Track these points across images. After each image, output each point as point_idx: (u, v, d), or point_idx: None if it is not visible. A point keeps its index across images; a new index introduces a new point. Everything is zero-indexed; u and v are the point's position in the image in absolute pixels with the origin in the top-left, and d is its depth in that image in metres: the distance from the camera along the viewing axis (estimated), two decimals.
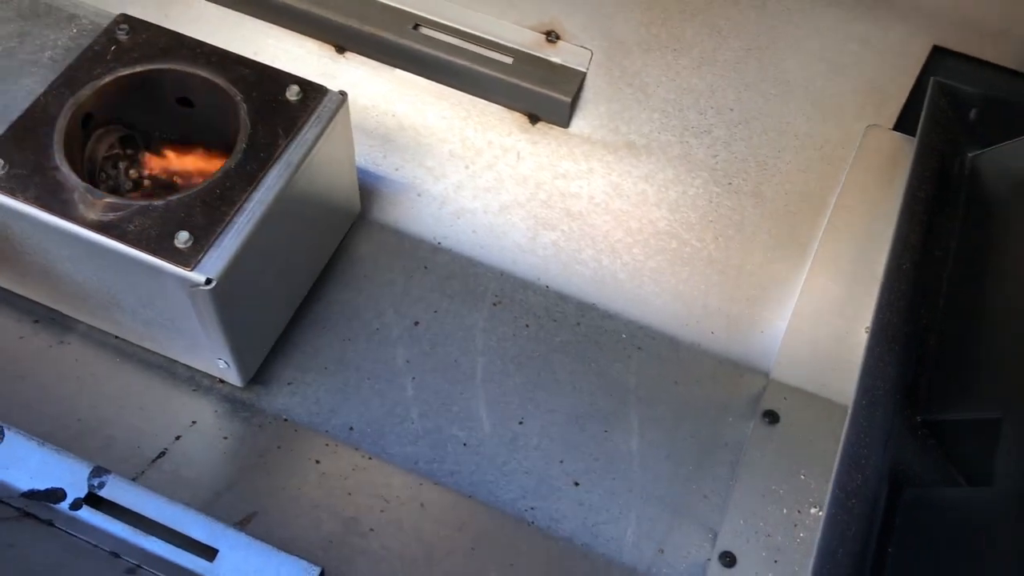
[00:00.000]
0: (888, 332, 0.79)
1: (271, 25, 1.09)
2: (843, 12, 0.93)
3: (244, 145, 0.85)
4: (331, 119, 0.88)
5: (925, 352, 0.79)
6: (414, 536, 0.85)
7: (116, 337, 0.95)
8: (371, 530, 0.85)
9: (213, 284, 0.78)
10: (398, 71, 1.08)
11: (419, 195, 1.07)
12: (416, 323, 1.00)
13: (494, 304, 1.02)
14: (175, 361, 0.94)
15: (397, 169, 1.07)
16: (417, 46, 1.05)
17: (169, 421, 0.90)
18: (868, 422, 0.74)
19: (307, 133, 0.87)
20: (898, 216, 0.83)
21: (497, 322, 1.01)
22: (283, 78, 0.89)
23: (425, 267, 1.04)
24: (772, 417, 0.96)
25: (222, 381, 0.94)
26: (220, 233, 0.80)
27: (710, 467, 0.93)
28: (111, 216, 0.80)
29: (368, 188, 1.06)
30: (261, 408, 0.93)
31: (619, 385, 0.98)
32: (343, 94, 0.90)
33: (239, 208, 0.82)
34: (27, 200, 0.80)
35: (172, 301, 0.82)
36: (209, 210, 0.81)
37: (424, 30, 1.05)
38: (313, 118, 0.88)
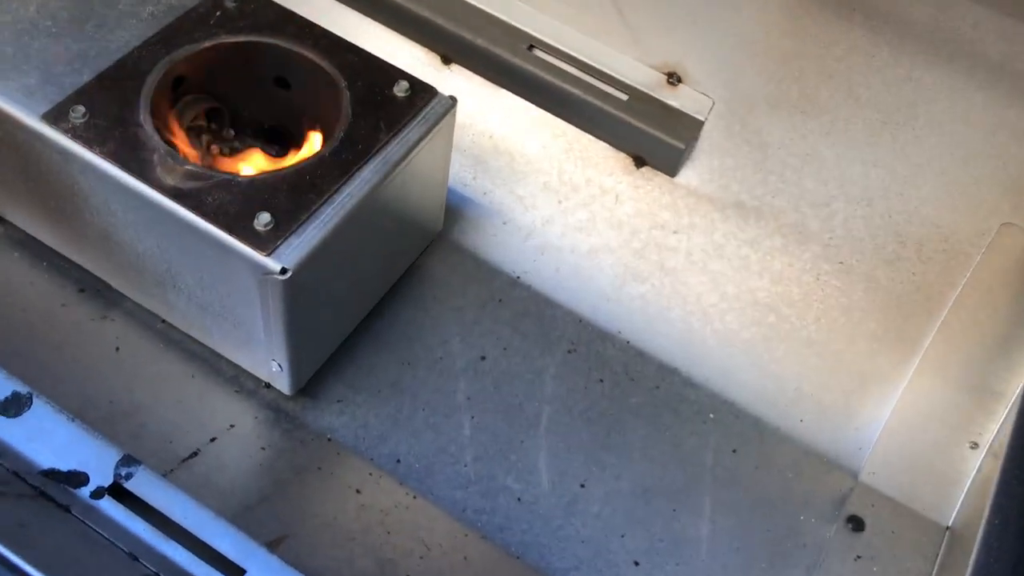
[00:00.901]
0: (1020, 454, 0.70)
1: (378, 24, 1.03)
2: (995, 97, 0.86)
3: (342, 134, 0.78)
4: (437, 123, 0.82)
5: None
6: None
7: (163, 321, 0.88)
8: None
9: (288, 275, 0.70)
10: (503, 91, 1.02)
11: (505, 223, 0.99)
12: (483, 357, 0.92)
13: (568, 351, 0.94)
14: (221, 357, 0.86)
15: (486, 193, 1.01)
16: (528, 67, 0.99)
17: (206, 420, 0.82)
18: (997, 549, 0.65)
19: (410, 133, 0.80)
20: None
21: (569, 370, 0.92)
22: (392, 72, 0.83)
23: (500, 300, 0.96)
24: (857, 523, 0.86)
25: (268, 386, 0.86)
26: (304, 221, 0.73)
27: (784, 568, 0.84)
28: (190, 185, 0.73)
29: (453, 207, 0.99)
30: (305, 422, 0.85)
31: (694, 461, 0.89)
32: (453, 99, 0.84)
33: (328, 198, 0.75)
34: (103, 154, 0.74)
35: (237, 287, 0.75)
36: (296, 195, 0.74)
37: (538, 52, 0.99)
38: (419, 118, 0.81)
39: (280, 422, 0.85)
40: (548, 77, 0.98)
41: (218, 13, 0.84)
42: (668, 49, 0.96)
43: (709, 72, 0.95)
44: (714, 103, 0.95)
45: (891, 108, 0.89)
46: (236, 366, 0.86)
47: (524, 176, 1.01)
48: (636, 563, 0.83)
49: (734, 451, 0.90)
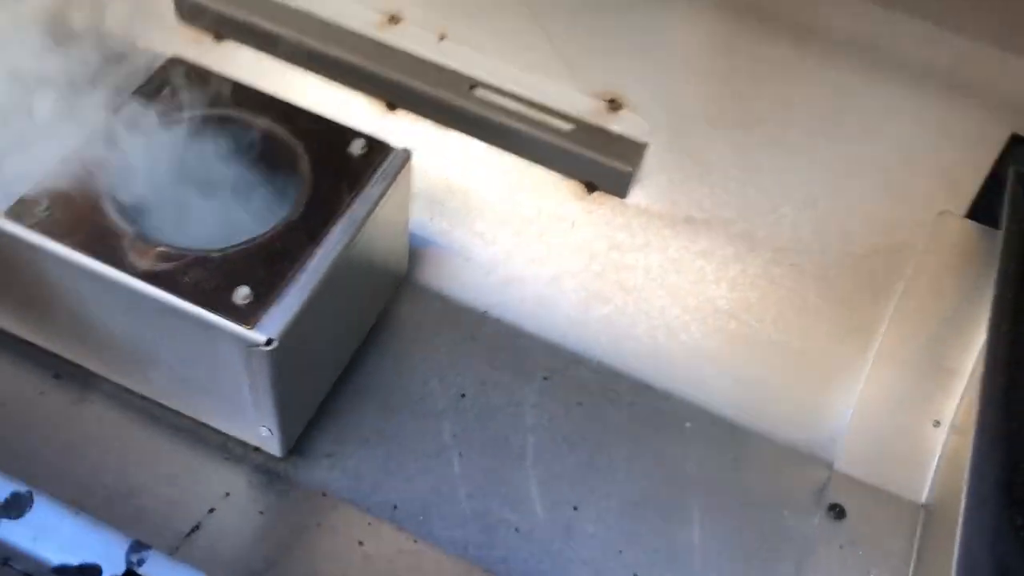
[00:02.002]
0: (989, 430, 0.75)
1: (318, 76, 1.05)
2: (920, 97, 0.91)
3: (306, 198, 0.80)
4: (395, 176, 0.84)
5: None
6: None
7: (142, 397, 0.88)
8: None
9: (274, 345, 0.72)
10: (450, 131, 1.04)
11: (467, 260, 1.02)
12: (462, 395, 0.94)
13: (544, 378, 0.96)
14: (205, 425, 0.87)
15: (444, 233, 1.03)
16: (472, 108, 1.01)
17: (201, 491, 0.83)
18: (978, 525, 0.70)
19: (372, 189, 0.82)
20: (991, 309, 0.79)
21: (548, 398, 0.95)
22: (347, 132, 0.85)
23: (472, 336, 0.99)
24: (838, 512, 0.91)
25: (256, 449, 0.87)
26: (282, 290, 0.74)
27: (775, 563, 0.88)
28: (164, 266, 0.74)
29: (415, 250, 1.01)
30: (298, 481, 0.86)
31: (677, 471, 0.92)
32: (407, 152, 0.86)
33: (301, 264, 0.76)
34: (72, 245, 0.75)
35: (221, 361, 0.76)
36: (270, 264, 0.76)
37: (480, 92, 1.01)
38: (378, 174, 0.83)
39: (274, 484, 0.86)
40: (492, 115, 1.01)
41: (165, 89, 0.85)
42: (605, 77, 0.99)
43: (647, 95, 0.98)
44: (655, 125, 0.99)
45: (823, 114, 0.94)
46: (221, 433, 0.87)
47: (480, 212, 1.03)
48: (635, 575, 0.86)
49: (713, 456, 0.93)
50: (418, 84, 1.02)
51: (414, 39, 1.02)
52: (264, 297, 0.73)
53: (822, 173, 0.96)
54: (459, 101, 1.02)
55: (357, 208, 0.80)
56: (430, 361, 0.96)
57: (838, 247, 0.97)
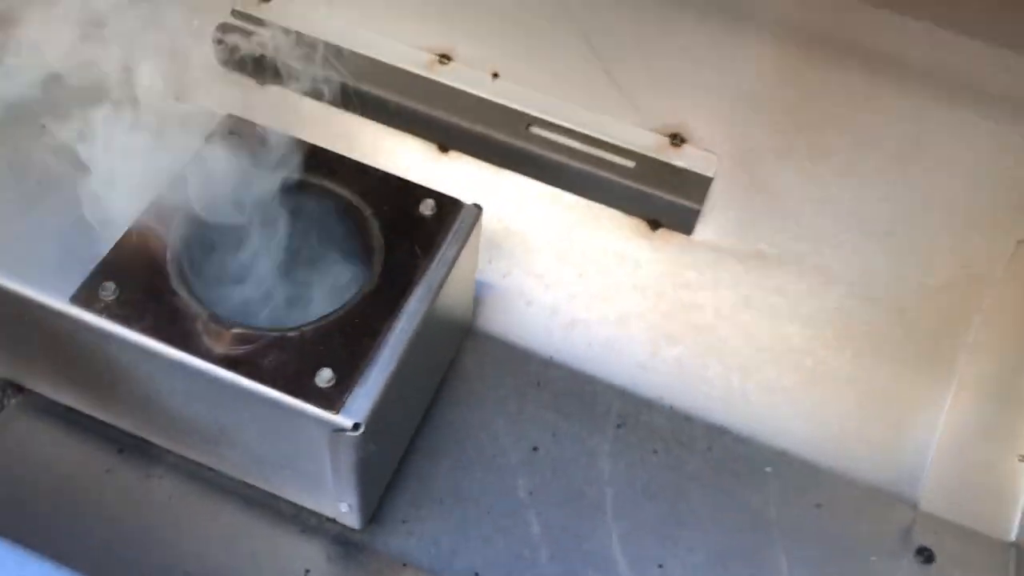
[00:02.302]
0: None
1: (367, 120, 1.01)
2: (996, 124, 0.88)
3: (380, 266, 0.77)
4: (468, 235, 0.80)
5: None
6: None
7: (209, 467, 0.85)
8: None
9: (361, 430, 0.69)
10: (505, 171, 1.01)
11: (528, 304, 0.99)
12: (535, 448, 0.92)
13: (617, 426, 0.94)
14: (279, 497, 0.84)
15: (505, 276, 1.00)
16: (529, 146, 0.98)
17: (282, 569, 0.81)
18: None
19: (446, 252, 0.79)
20: None
21: (622, 446, 0.93)
22: (416, 191, 0.82)
23: (538, 383, 0.96)
24: (926, 555, 0.89)
25: (331, 520, 0.84)
26: (364, 369, 0.71)
27: None
28: (241, 349, 0.71)
29: (475, 296, 0.98)
30: (376, 550, 0.84)
31: (760, 518, 0.90)
32: (478, 208, 0.82)
33: (382, 339, 0.73)
34: (144, 330, 0.71)
35: (303, 442, 0.73)
36: (350, 341, 0.72)
37: (537, 130, 0.98)
38: (451, 235, 0.80)
39: (353, 556, 0.83)
40: (550, 154, 0.97)
41: (222, 152, 0.82)
42: (668, 111, 0.96)
43: (712, 129, 0.95)
44: (720, 158, 0.95)
45: (898, 144, 0.91)
46: (295, 504, 0.84)
47: (540, 253, 1.00)
48: None
49: (795, 501, 0.91)
50: (472, 124, 0.98)
51: (466, 78, 0.98)
52: (347, 378, 0.70)
53: (897, 204, 0.93)
54: (515, 140, 0.98)
55: (433, 273, 0.77)
56: (499, 412, 0.94)
57: (915, 278, 0.94)
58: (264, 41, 0.99)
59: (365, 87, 0.99)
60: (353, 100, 1.00)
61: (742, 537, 0.88)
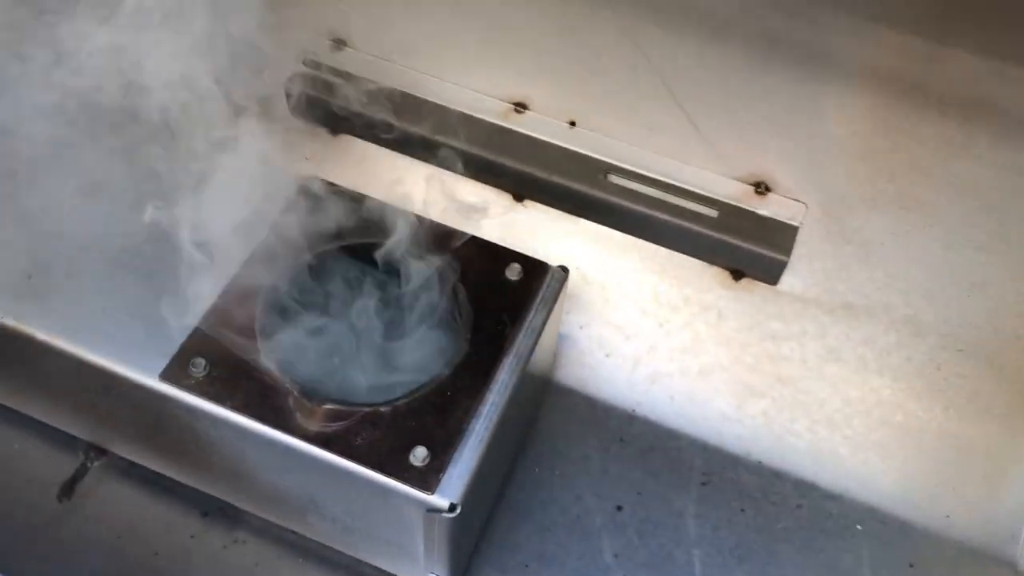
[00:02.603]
0: None
1: (442, 169, 1.00)
2: None
3: (468, 335, 0.75)
4: (555, 300, 0.79)
5: None
6: None
7: (294, 532, 0.85)
8: None
9: (458, 511, 0.67)
10: (582, 221, 0.99)
11: (608, 356, 0.97)
12: (619, 507, 0.90)
13: (703, 483, 0.92)
14: (363, 561, 0.83)
15: (582, 327, 0.98)
16: (607, 196, 0.96)
17: None
18: None
19: (534, 319, 0.77)
20: None
21: (709, 506, 0.90)
22: (502, 254, 0.80)
23: (621, 439, 0.94)
24: None
25: None
26: (458, 445, 0.70)
27: None
28: (334, 427, 0.70)
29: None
30: None
31: None
32: (564, 270, 0.81)
33: (474, 412, 0.72)
34: (236, 408, 0.71)
35: (396, 519, 0.72)
36: (442, 416, 0.71)
37: (615, 178, 0.96)
38: (538, 300, 0.78)
39: None
40: (629, 203, 0.95)
41: (301, 217, 0.81)
42: (752, 159, 0.93)
43: (798, 177, 0.92)
44: (807, 207, 0.93)
45: (993, 194, 0.87)
46: (380, 569, 0.83)
47: (618, 304, 0.98)
48: None
49: (888, 561, 0.88)
50: (549, 174, 0.97)
51: (543, 127, 0.97)
52: (441, 455, 0.69)
53: (991, 254, 0.90)
54: (593, 189, 0.97)
55: (522, 342, 0.76)
56: (581, 470, 0.92)
57: (1009, 330, 0.91)
58: (337, 91, 0.98)
59: (439, 137, 0.98)
60: (427, 150, 0.99)
61: None
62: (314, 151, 1.02)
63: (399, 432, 0.70)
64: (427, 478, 0.68)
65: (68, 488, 0.84)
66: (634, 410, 0.95)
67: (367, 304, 0.77)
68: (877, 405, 0.93)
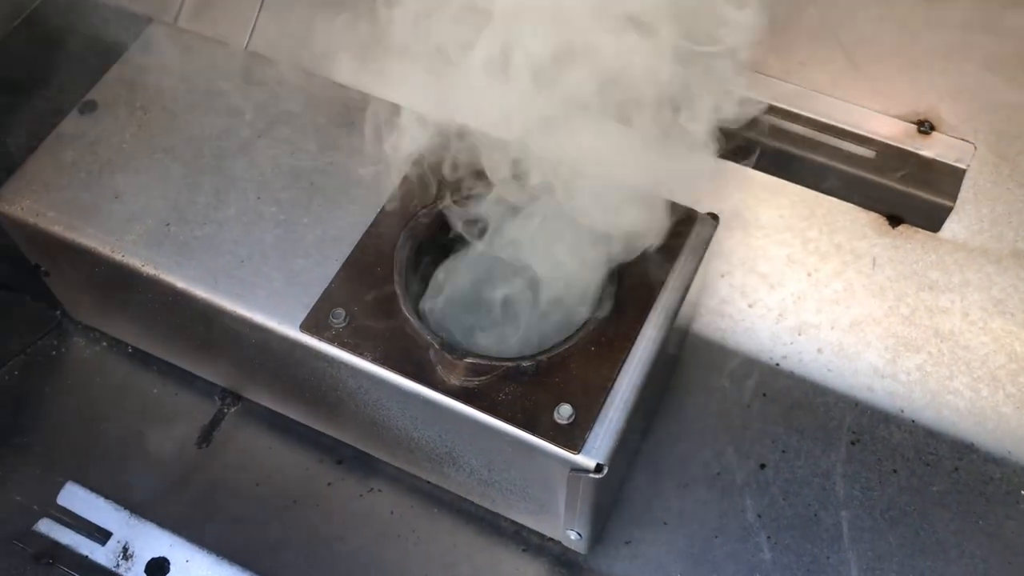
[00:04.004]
0: None
1: None
2: None
3: (614, 288, 0.72)
4: (704, 250, 0.74)
5: None
6: None
7: (429, 482, 0.84)
8: None
9: (604, 471, 0.65)
10: (725, 162, 0.93)
11: (751, 306, 0.92)
12: (762, 465, 0.86)
13: (852, 442, 0.87)
14: (495, 513, 0.82)
15: (723, 275, 0.93)
16: (754, 135, 0.90)
17: None
18: None
19: (683, 269, 0.73)
20: None
21: (858, 466, 0.86)
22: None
23: (764, 394, 0.89)
24: None
25: (553, 539, 0.81)
26: (604, 403, 0.67)
27: None
28: (475, 381, 0.68)
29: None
30: (601, 573, 0.81)
31: (1016, 549, 0.82)
32: (715, 218, 0.76)
33: (620, 368, 0.68)
34: (376, 360, 0.69)
35: (539, 477, 0.69)
36: (586, 373, 0.68)
37: (764, 117, 0.89)
38: (687, 249, 0.74)
39: None
40: (778, 142, 0.89)
41: (445, 161, 0.78)
42: (915, 95, 0.86)
43: (967, 114, 0.85)
44: (976, 148, 0.85)
45: None
46: (515, 521, 0.82)
47: (763, 251, 0.93)
48: None
49: None
50: None
51: None
52: (586, 413, 0.66)
53: None
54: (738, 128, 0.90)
55: (669, 295, 0.72)
56: (722, 426, 0.88)
57: None
58: None
59: None
60: None
61: (997, 570, 0.81)
62: None
63: (543, 389, 0.67)
64: (573, 437, 0.65)
65: (207, 434, 0.85)
66: (778, 364, 0.90)
67: (506, 255, 0.73)
68: None
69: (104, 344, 0.91)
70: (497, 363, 0.68)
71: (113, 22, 0.88)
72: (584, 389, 0.67)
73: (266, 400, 0.85)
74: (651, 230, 0.72)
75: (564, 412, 0.66)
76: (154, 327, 0.83)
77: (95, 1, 0.90)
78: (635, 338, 0.70)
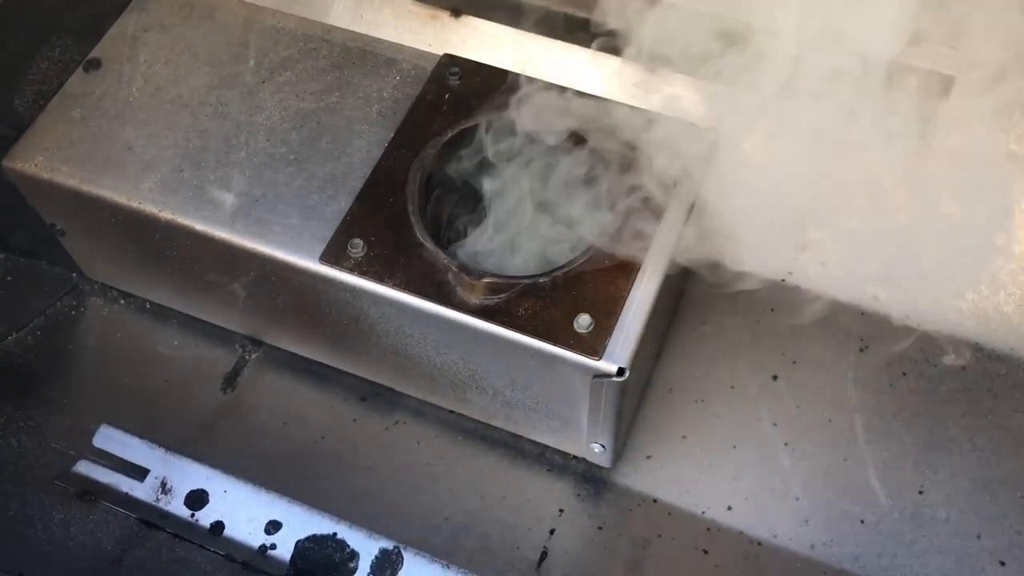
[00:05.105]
0: None
1: (563, 43, 0.96)
2: None
3: (625, 203, 0.73)
4: (708, 160, 0.76)
5: None
6: None
7: (451, 411, 0.86)
8: None
9: (626, 375, 0.67)
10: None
11: (751, 223, 0.93)
12: (775, 377, 0.88)
13: (860, 349, 0.89)
14: (521, 437, 0.84)
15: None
16: None
17: (536, 511, 0.81)
18: None
19: (688, 182, 0.75)
20: None
21: (868, 371, 0.88)
22: (646, 116, 0.77)
23: (772, 309, 0.92)
24: None
25: (576, 458, 0.83)
26: (621, 310, 0.69)
27: None
28: (495, 299, 0.70)
29: None
30: (626, 487, 0.83)
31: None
32: (714, 131, 0.77)
33: (634, 279, 0.70)
34: (397, 285, 0.71)
35: (561, 388, 0.72)
36: (602, 283, 0.70)
37: None
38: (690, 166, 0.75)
39: (603, 494, 0.82)
40: None
41: (446, 95, 0.80)
42: None
43: None
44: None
45: None
46: (537, 443, 0.84)
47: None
48: (1002, 563, 0.79)
49: None
50: None
51: None
52: (605, 322, 0.68)
53: None
54: None
55: (678, 204, 0.73)
56: (732, 342, 0.90)
57: None
58: None
59: (561, 7, 0.94)
60: (549, 24, 0.96)
61: (1009, 462, 0.83)
62: (436, 33, 1.00)
63: (561, 301, 0.69)
64: (593, 344, 0.67)
65: (231, 379, 0.87)
66: (784, 279, 0.92)
67: (519, 177, 0.75)
68: None
69: (122, 302, 0.93)
70: (514, 280, 0.70)
71: None
72: (601, 300, 0.69)
73: (286, 343, 0.87)
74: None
75: (583, 322, 0.68)
76: (171, 278, 0.85)
77: None
78: (648, 247, 0.71)
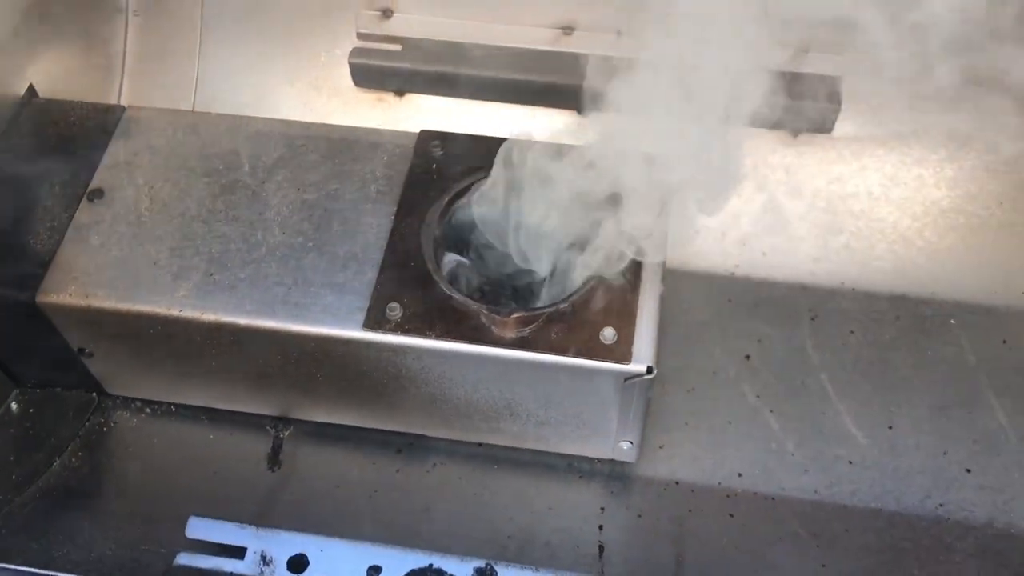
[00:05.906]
0: None
1: (504, 104, 1.08)
2: None
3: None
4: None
5: None
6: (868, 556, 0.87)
7: (479, 444, 0.95)
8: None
9: (655, 372, 0.78)
10: None
11: (696, 232, 1.07)
12: (747, 356, 1.01)
13: (812, 319, 1.03)
14: (544, 453, 0.94)
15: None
16: None
17: (581, 513, 0.91)
18: None
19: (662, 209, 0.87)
20: None
21: (822, 336, 1.02)
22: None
23: (729, 300, 1.05)
24: None
25: (599, 461, 0.94)
26: (636, 319, 0.80)
27: None
28: (527, 330, 0.80)
29: None
30: (650, 477, 0.94)
31: (961, 366, 1.00)
32: None
33: (640, 293, 0.82)
34: (439, 336, 0.80)
35: (594, 397, 0.82)
36: (614, 298, 0.81)
37: None
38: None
39: (633, 487, 0.93)
40: None
41: (433, 165, 0.90)
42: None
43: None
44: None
45: None
46: (561, 455, 0.94)
47: None
48: (968, 470, 0.94)
49: (985, 343, 1.01)
50: None
51: (592, 43, 1.05)
52: (625, 330, 0.80)
53: None
54: None
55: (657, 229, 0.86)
56: (704, 334, 1.03)
57: None
58: (394, 54, 1.06)
59: (497, 74, 1.06)
60: (487, 89, 1.08)
61: (952, 386, 0.99)
62: (384, 112, 1.10)
63: (583, 321, 0.80)
64: (621, 351, 0.78)
65: (274, 458, 0.93)
66: (733, 272, 1.06)
67: (522, 222, 0.86)
68: (940, 215, 1.05)
69: (147, 411, 0.98)
70: (539, 311, 0.81)
71: (90, 118, 0.95)
72: (617, 314, 0.81)
73: (317, 415, 0.94)
74: None
75: (608, 334, 0.79)
76: (204, 377, 0.91)
77: (64, 104, 0.97)
78: (642, 270, 0.83)
